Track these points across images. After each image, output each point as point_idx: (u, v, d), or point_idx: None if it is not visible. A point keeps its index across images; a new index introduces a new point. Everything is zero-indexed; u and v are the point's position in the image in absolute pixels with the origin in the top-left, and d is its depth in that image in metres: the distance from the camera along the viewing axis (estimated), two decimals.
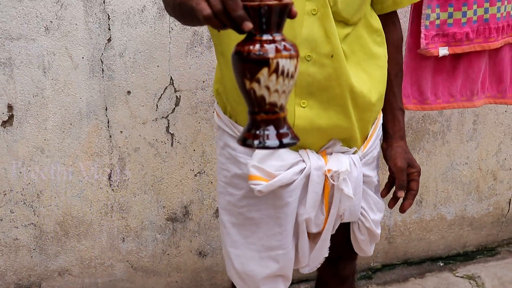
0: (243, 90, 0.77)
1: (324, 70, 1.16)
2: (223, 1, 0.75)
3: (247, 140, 0.78)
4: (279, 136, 0.77)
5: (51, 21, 1.67)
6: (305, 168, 1.22)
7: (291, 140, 0.78)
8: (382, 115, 1.37)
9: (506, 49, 1.80)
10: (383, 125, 1.38)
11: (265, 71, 0.74)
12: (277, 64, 0.74)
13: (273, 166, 1.20)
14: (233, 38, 1.13)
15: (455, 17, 1.69)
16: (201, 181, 1.98)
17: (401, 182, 1.33)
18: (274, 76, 0.74)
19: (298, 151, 1.24)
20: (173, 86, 1.83)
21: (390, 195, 1.38)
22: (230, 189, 1.30)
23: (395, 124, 1.36)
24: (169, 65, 1.80)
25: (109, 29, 1.72)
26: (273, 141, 0.77)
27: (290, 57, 0.75)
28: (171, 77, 1.82)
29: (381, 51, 1.27)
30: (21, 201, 1.82)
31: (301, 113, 1.18)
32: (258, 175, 1.20)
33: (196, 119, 1.89)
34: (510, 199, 2.46)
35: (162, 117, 1.86)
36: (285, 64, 0.74)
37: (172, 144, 1.90)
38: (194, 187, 1.98)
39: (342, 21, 1.17)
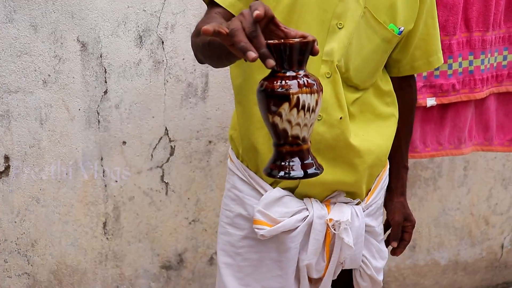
0: (268, 123, 0.80)
1: (332, 131, 1.22)
2: (249, 38, 0.78)
3: (273, 171, 0.81)
4: (304, 167, 0.81)
5: (49, 75, 1.72)
6: (308, 216, 1.27)
7: (316, 171, 0.81)
8: (388, 167, 1.42)
9: (491, 99, 1.86)
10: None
11: (286, 106, 0.77)
12: (298, 99, 0.77)
13: (278, 212, 1.26)
14: (251, 91, 1.22)
15: (441, 69, 1.75)
16: (196, 229, 1.99)
17: (395, 234, 1.45)
18: (295, 111, 0.77)
19: (303, 200, 1.29)
20: (168, 136, 1.87)
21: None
22: (231, 229, 1.34)
23: (398, 181, 1.45)
24: (164, 116, 1.85)
25: (106, 82, 1.77)
26: (298, 171, 0.80)
27: (311, 92, 0.78)
28: (166, 128, 1.86)
29: (390, 111, 1.34)
30: (15, 250, 1.83)
31: None
32: (262, 220, 1.26)
33: (191, 168, 1.92)
34: (503, 244, 2.48)
35: (157, 167, 1.89)
36: (306, 99, 0.77)
37: (166, 193, 1.92)
38: (189, 235, 1.99)
39: (353, 86, 1.25)
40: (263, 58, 0.78)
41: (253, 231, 1.28)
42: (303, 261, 1.29)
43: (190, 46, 1.70)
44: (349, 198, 1.32)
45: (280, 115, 0.78)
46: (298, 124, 0.79)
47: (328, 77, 1.20)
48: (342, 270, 1.37)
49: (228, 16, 1.15)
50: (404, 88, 1.40)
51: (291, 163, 0.80)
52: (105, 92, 1.78)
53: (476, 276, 2.48)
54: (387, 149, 1.33)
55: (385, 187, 1.43)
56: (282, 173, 0.80)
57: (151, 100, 1.82)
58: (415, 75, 1.45)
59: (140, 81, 1.80)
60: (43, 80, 1.72)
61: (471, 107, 1.83)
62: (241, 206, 1.33)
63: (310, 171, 0.81)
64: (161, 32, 1.79)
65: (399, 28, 1.23)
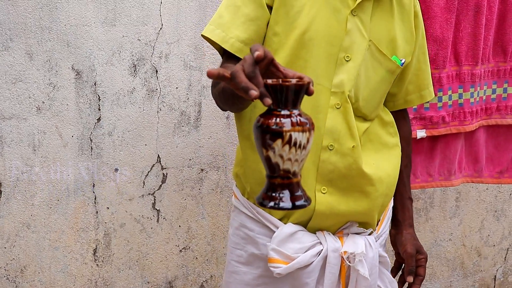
0: (262, 155, 0.86)
1: (345, 160, 1.24)
2: (250, 76, 0.84)
3: (264, 201, 0.86)
4: (293, 199, 0.85)
5: (43, 102, 1.74)
6: (322, 250, 1.27)
7: (304, 202, 0.86)
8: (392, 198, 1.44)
9: (481, 131, 1.88)
10: (393, 212, 1.46)
11: (279, 142, 0.82)
12: (290, 136, 0.82)
13: (291, 248, 1.26)
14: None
15: (431, 101, 1.77)
16: (186, 257, 1.99)
17: (410, 268, 1.42)
18: (287, 147, 0.83)
19: (315, 233, 1.30)
20: (160, 163, 1.88)
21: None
22: (245, 268, 1.34)
23: (405, 213, 1.45)
24: (156, 143, 1.86)
25: (99, 109, 1.79)
26: (287, 203, 0.85)
27: (303, 130, 0.83)
28: (158, 155, 1.87)
29: (394, 141, 1.37)
30: (4, 276, 1.83)
31: (321, 199, 1.25)
32: (277, 258, 1.26)
33: (182, 196, 1.93)
34: (495, 276, 2.47)
35: (149, 194, 1.90)
36: (298, 136, 0.83)
37: (158, 220, 1.92)
38: (179, 263, 1.99)
39: (361, 117, 1.28)
40: (261, 96, 0.83)
41: (268, 269, 1.28)
42: None
43: (184, 76, 1.75)
44: (361, 228, 1.32)
45: (274, 150, 0.83)
46: (289, 159, 0.84)
47: (338, 108, 1.23)
48: None
49: None
50: (399, 121, 1.44)
51: (281, 195, 0.85)
52: (99, 119, 1.80)
53: None
54: (395, 178, 1.35)
55: (390, 217, 1.44)
56: (272, 204, 0.85)
57: (144, 127, 1.84)
58: (411, 114, 1.47)
59: (133, 109, 1.82)
60: (37, 107, 1.74)
61: (460, 139, 1.85)
62: (253, 245, 1.33)
63: (298, 203, 0.85)
64: (155, 61, 1.81)
65: (401, 60, 1.28)
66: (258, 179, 1.29)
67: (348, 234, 1.31)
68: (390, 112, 1.40)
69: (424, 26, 1.68)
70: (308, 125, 0.84)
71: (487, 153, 1.92)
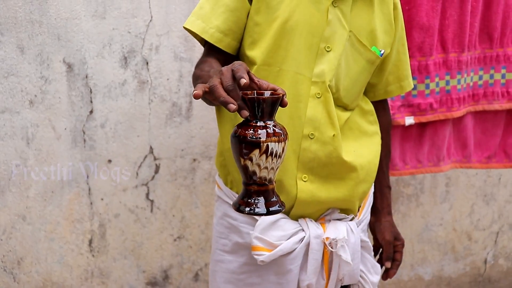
0: (239, 164, 0.91)
1: (325, 148, 1.27)
2: (228, 90, 0.89)
3: (240, 206, 0.91)
4: (267, 205, 0.91)
5: (35, 95, 1.76)
6: (304, 237, 1.31)
7: (278, 208, 0.92)
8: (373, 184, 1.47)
9: (469, 117, 1.90)
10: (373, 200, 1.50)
11: (256, 152, 0.87)
12: (267, 146, 0.87)
13: (274, 236, 1.29)
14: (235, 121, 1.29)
15: (418, 89, 1.80)
16: (181, 246, 2.02)
17: (388, 254, 1.49)
18: (264, 156, 0.88)
19: (298, 221, 1.33)
20: (153, 154, 1.91)
21: None
22: (230, 257, 1.37)
23: (383, 201, 1.50)
24: (149, 134, 1.88)
25: (91, 102, 1.81)
26: (262, 209, 0.91)
27: (279, 141, 0.89)
28: (151, 146, 1.90)
29: (374, 129, 1.40)
30: (1, 268, 1.85)
31: (302, 186, 1.28)
32: (260, 245, 1.29)
33: (176, 186, 1.95)
34: (486, 259, 2.51)
35: (142, 184, 1.92)
36: (274, 146, 0.88)
37: (151, 210, 1.95)
38: (174, 252, 2.02)
39: (342, 106, 1.31)
40: (238, 109, 0.88)
41: (252, 257, 1.31)
42: (304, 281, 1.33)
43: (175, 67, 1.78)
44: (343, 215, 1.36)
45: (251, 159, 0.88)
46: (266, 167, 0.89)
47: (318, 97, 1.26)
48: (341, 286, 1.41)
49: (221, 57, 1.26)
50: (379, 111, 1.47)
51: (256, 201, 0.91)
52: (91, 112, 1.82)
53: None
54: (375, 165, 1.38)
55: (371, 203, 1.47)
56: (248, 209, 0.91)
57: (136, 119, 1.86)
58: (388, 99, 1.51)
59: (125, 101, 1.84)
60: (29, 101, 1.75)
61: (449, 125, 1.88)
62: (237, 234, 1.36)
63: (272, 208, 0.91)
64: (145, 53, 1.83)
65: (380, 51, 1.31)
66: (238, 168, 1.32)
67: (330, 221, 1.34)
68: (372, 103, 1.43)
69: (410, 14, 1.71)
70: (282, 136, 0.89)
71: (475, 138, 1.95)
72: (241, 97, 0.88)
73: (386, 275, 1.50)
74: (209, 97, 0.92)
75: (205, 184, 1.99)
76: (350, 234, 1.34)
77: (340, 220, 1.35)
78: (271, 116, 0.89)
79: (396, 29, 1.35)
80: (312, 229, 1.31)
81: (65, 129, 1.80)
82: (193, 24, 1.27)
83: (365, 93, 1.42)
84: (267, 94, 0.89)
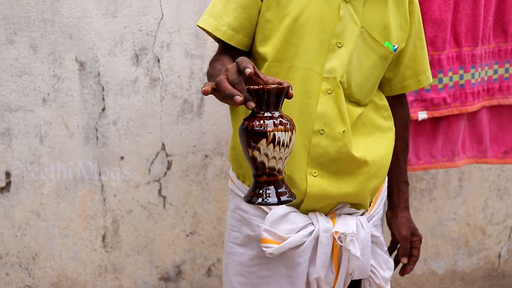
0: (247, 156, 0.92)
1: (335, 144, 1.27)
2: (233, 83, 0.90)
3: (252, 198, 0.92)
4: (278, 195, 0.91)
5: (48, 93, 1.77)
6: (314, 230, 1.31)
7: (288, 198, 0.92)
8: (387, 179, 1.47)
9: (484, 112, 1.88)
10: (389, 195, 1.49)
11: (264, 141, 0.88)
12: (274, 136, 0.88)
13: (283, 229, 1.30)
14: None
15: (432, 83, 1.78)
16: (193, 241, 2.03)
17: (405, 250, 1.47)
18: (271, 146, 0.88)
19: (308, 214, 1.33)
20: (165, 151, 1.91)
21: None
22: (241, 249, 1.38)
23: (400, 196, 1.49)
24: (160, 131, 1.89)
25: (103, 99, 1.82)
26: (273, 199, 0.91)
27: (285, 130, 0.89)
28: (163, 143, 1.90)
29: (388, 125, 1.39)
30: (17, 263, 1.88)
31: (312, 181, 1.29)
32: (269, 238, 1.30)
33: (187, 182, 1.96)
34: (500, 253, 2.50)
35: (154, 181, 1.93)
36: (281, 136, 0.89)
37: (164, 206, 1.96)
38: (186, 247, 2.03)
39: (354, 102, 1.30)
40: (244, 101, 0.88)
41: (263, 250, 1.32)
42: (313, 275, 1.33)
43: (186, 65, 1.78)
44: (353, 209, 1.36)
45: (259, 150, 0.89)
46: (274, 157, 0.90)
47: (329, 93, 1.25)
48: (351, 280, 1.41)
49: (234, 55, 1.27)
50: (397, 106, 1.46)
51: (267, 191, 0.91)
52: (103, 109, 1.83)
53: (473, 285, 2.50)
54: (387, 161, 1.38)
55: (385, 198, 1.47)
56: (260, 200, 0.91)
57: (148, 116, 1.87)
58: (406, 93, 1.50)
59: (137, 98, 1.84)
60: (42, 99, 1.77)
61: (463, 120, 1.86)
62: (248, 227, 1.37)
63: (283, 198, 0.92)
64: (157, 50, 1.83)
65: (394, 46, 1.30)
66: None
67: (341, 215, 1.34)
68: (388, 97, 1.43)
69: (423, 9, 1.69)
70: (289, 125, 0.90)
71: (491, 133, 1.93)
72: (247, 90, 0.90)
73: (403, 271, 1.49)
74: (216, 94, 0.93)
75: (217, 180, 1.99)
76: (360, 229, 1.34)
77: (350, 214, 1.35)
78: (277, 108, 0.90)
79: (412, 23, 1.33)
80: (322, 223, 1.31)
81: (78, 126, 1.82)
82: (205, 22, 1.28)
83: (381, 88, 1.41)
84: (273, 86, 0.91)
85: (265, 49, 1.26)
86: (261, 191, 0.91)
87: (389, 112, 1.40)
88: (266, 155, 0.89)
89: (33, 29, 1.72)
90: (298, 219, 1.31)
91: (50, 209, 1.86)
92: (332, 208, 1.34)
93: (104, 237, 1.93)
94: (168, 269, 2.03)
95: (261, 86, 0.90)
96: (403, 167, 1.50)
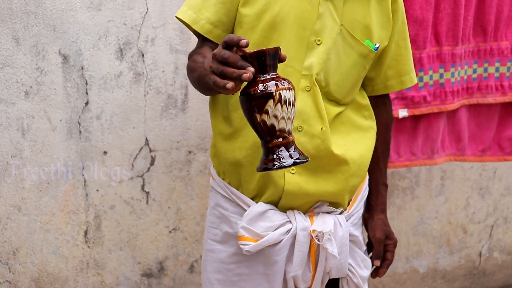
0: (254, 125, 0.91)
1: (313, 141, 1.27)
2: (224, 59, 0.89)
3: (268, 165, 0.91)
4: (291, 156, 0.91)
5: (31, 86, 1.76)
6: (291, 228, 1.31)
7: (302, 158, 0.92)
8: (368, 177, 1.47)
9: (463, 110, 1.91)
10: (367, 196, 1.48)
11: (271, 102, 0.88)
12: (280, 95, 0.88)
13: (261, 227, 1.29)
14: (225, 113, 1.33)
15: None
16: (176, 237, 2.03)
17: (377, 252, 1.47)
18: (279, 106, 0.89)
19: (286, 212, 1.33)
20: (148, 146, 1.92)
21: None
22: (220, 246, 1.38)
23: (378, 198, 1.49)
24: (144, 126, 1.89)
25: (87, 93, 1.82)
26: (288, 160, 0.91)
27: (289, 88, 0.90)
28: (147, 138, 1.91)
29: (369, 124, 1.39)
30: None
31: (290, 179, 1.29)
32: (246, 235, 1.29)
33: (171, 178, 1.96)
34: (480, 252, 2.53)
35: (138, 176, 1.93)
36: (286, 94, 0.89)
37: (147, 202, 1.96)
38: (169, 243, 2.03)
39: (334, 101, 1.30)
40: (243, 68, 0.89)
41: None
42: (290, 273, 1.33)
43: (171, 60, 1.78)
44: (332, 208, 1.36)
45: (267, 112, 0.89)
46: (283, 117, 0.90)
47: (308, 91, 1.26)
48: (330, 279, 1.41)
49: (214, 47, 1.27)
50: (380, 106, 1.46)
51: (281, 154, 0.91)
52: (86, 103, 1.83)
53: (455, 283, 2.52)
54: (367, 159, 1.38)
55: (365, 197, 1.47)
56: (277, 164, 0.90)
57: (132, 111, 1.87)
58: (389, 94, 1.51)
59: (120, 92, 1.84)
60: (25, 92, 1.76)
61: (443, 118, 1.89)
62: (227, 224, 1.37)
63: (298, 159, 0.91)
64: (141, 45, 1.84)
65: (375, 45, 1.30)
66: (229, 159, 1.33)
67: (319, 213, 1.34)
68: (371, 97, 1.42)
69: (404, 7, 1.71)
70: (290, 85, 0.90)
71: (470, 131, 1.96)
72: (242, 57, 0.89)
73: (375, 273, 1.49)
74: (219, 81, 0.92)
75: (201, 176, 2.00)
76: (338, 228, 1.34)
77: (329, 213, 1.35)
78: (274, 69, 0.90)
79: (395, 22, 1.34)
80: (300, 221, 1.31)
81: (61, 120, 1.81)
82: (184, 14, 1.28)
83: (364, 88, 1.41)
84: (267, 48, 0.91)
85: None
86: (274, 156, 0.90)
87: (370, 112, 1.40)
88: (275, 116, 0.89)
89: (16, 21, 1.71)
90: (276, 217, 1.31)
91: (32, 204, 1.85)
92: (310, 206, 1.34)
93: (86, 233, 1.93)
94: (151, 265, 2.03)
95: (256, 50, 0.90)
96: (382, 168, 1.50)
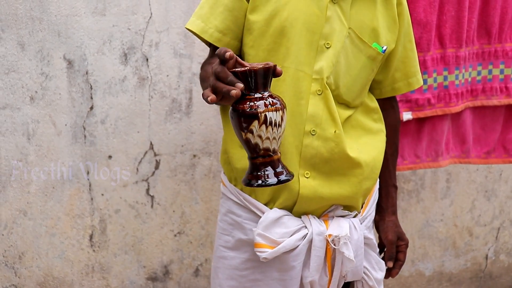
0: (241, 139, 0.92)
1: (327, 144, 1.27)
2: (216, 74, 0.90)
3: (251, 181, 0.92)
4: (276, 174, 0.92)
5: (36, 91, 1.77)
6: (307, 234, 1.31)
7: (287, 177, 0.92)
8: (378, 181, 1.47)
9: (467, 113, 1.91)
10: (377, 199, 1.49)
11: (256, 123, 0.89)
12: (265, 116, 0.89)
13: (277, 233, 1.29)
14: None
15: None
16: (181, 241, 2.03)
17: (390, 254, 1.48)
18: (263, 127, 0.89)
19: (301, 217, 1.33)
20: (153, 150, 1.92)
21: None
22: (232, 253, 1.37)
23: (388, 200, 1.50)
24: (149, 130, 1.90)
25: (92, 98, 1.83)
26: (272, 179, 0.91)
27: (276, 109, 0.90)
28: (151, 142, 1.91)
29: (378, 127, 1.40)
30: (3, 262, 1.87)
31: (305, 183, 1.29)
32: (263, 242, 1.29)
33: (176, 182, 1.97)
34: (487, 255, 2.51)
35: (142, 180, 1.94)
36: (272, 115, 0.89)
37: (152, 206, 1.97)
38: (174, 247, 2.03)
39: (343, 104, 1.31)
40: (232, 84, 0.89)
41: (255, 253, 1.31)
42: (307, 278, 1.33)
43: (175, 64, 1.79)
44: (346, 211, 1.36)
45: (252, 132, 0.89)
46: (267, 138, 0.90)
47: (319, 94, 1.26)
48: (344, 284, 1.42)
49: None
50: (387, 109, 1.47)
51: (265, 172, 0.92)
52: (91, 108, 1.83)
53: (461, 287, 2.51)
54: (379, 162, 1.38)
55: (376, 200, 1.48)
56: (259, 182, 0.92)
57: (136, 115, 1.87)
58: (396, 97, 1.51)
59: (125, 97, 1.85)
60: (30, 97, 1.77)
61: (447, 120, 1.88)
62: (240, 230, 1.36)
63: (282, 178, 0.92)
64: (145, 49, 1.85)
65: (383, 47, 1.31)
66: (242, 165, 1.32)
67: (333, 217, 1.34)
68: (379, 100, 1.43)
69: (408, 10, 1.71)
70: (279, 104, 0.90)
71: (474, 134, 1.95)
72: (234, 73, 0.90)
73: (388, 274, 1.50)
74: (223, 101, 0.94)
75: (205, 180, 2.00)
76: (353, 231, 1.34)
77: (343, 217, 1.35)
78: (265, 88, 0.90)
79: (401, 25, 1.34)
80: (315, 226, 1.31)
81: (66, 125, 1.82)
82: (193, 24, 1.29)
83: (372, 91, 1.41)
84: (259, 66, 0.91)
85: (255, 51, 1.27)
86: (259, 173, 0.91)
87: (380, 115, 1.40)
88: (260, 136, 0.89)
89: (21, 26, 1.72)
90: (291, 222, 1.31)
91: (37, 208, 1.86)
92: (324, 210, 1.34)
93: (91, 237, 1.93)
94: (156, 269, 2.03)
95: (247, 68, 0.90)
96: (392, 171, 1.50)
